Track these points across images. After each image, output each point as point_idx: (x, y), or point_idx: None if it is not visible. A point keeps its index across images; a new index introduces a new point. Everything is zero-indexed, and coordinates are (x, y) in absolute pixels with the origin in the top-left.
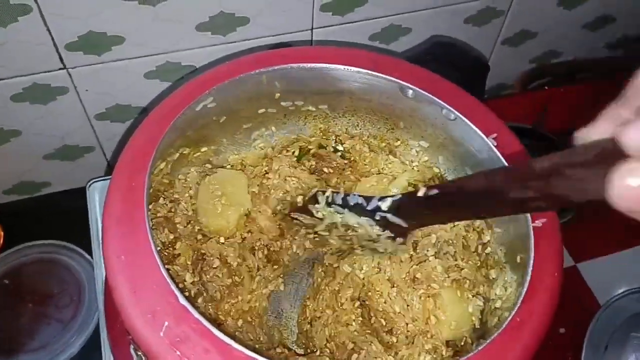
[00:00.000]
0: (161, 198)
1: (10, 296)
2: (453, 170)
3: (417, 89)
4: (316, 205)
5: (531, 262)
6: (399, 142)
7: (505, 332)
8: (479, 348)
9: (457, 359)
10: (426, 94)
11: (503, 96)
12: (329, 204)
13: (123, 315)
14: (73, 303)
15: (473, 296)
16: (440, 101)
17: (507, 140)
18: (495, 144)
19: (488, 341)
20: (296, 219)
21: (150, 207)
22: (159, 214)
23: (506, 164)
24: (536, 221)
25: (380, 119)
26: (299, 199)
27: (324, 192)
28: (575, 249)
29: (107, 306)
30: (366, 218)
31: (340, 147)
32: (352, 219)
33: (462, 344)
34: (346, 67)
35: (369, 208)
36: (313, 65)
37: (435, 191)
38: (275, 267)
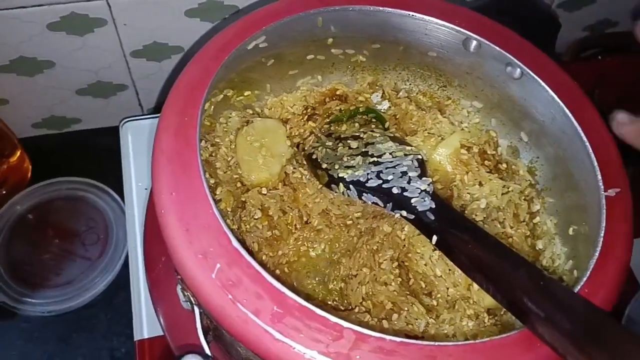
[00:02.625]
0: (203, 141)
1: (36, 231)
2: (506, 134)
3: (483, 40)
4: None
5: (602, 232)
6: (449, 101)
7: None
8: None
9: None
10: (493, 46)
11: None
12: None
13: (173, 255)
14: (100, 242)
15: None
16: (507, 54)
17: (580, 104)
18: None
19: None
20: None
21: None
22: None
23: (579, 129)
24: (609, 190)
25: (433, 74)
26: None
27: (334, 179)
28: None
29: (147, 246)
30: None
31: (384, 105)
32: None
33: (502, 312)
34: (411, 13)
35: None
36: (375, 8)
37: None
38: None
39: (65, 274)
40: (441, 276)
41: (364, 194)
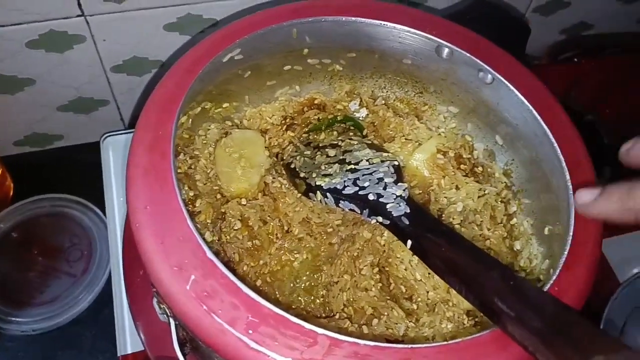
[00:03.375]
0: (181, 154)
1: (20, 249)
2: (482, 138)
3: (455, 47)
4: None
5: (571, 231)
6: (426, 107)
7: None
8: None
9: (495, 326)
10: (464, 53)
11: (531, 67)
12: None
13: (148, 267)
14: (84, 258)
15: None
16: (478, 61)
17: (549, 106)
18: None
19: None
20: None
21: None
22: (179, 170)
23: (548, 131)
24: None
25: (409, 81)
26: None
27: (312, 187)
28: None
29: (126, 260)
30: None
31: (362, 113)
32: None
33: (482, 314)
34: (382, 22)
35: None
36: (347, 18)
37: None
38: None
39: (49, 291)
40: (421, 280)
41: (340, 201)
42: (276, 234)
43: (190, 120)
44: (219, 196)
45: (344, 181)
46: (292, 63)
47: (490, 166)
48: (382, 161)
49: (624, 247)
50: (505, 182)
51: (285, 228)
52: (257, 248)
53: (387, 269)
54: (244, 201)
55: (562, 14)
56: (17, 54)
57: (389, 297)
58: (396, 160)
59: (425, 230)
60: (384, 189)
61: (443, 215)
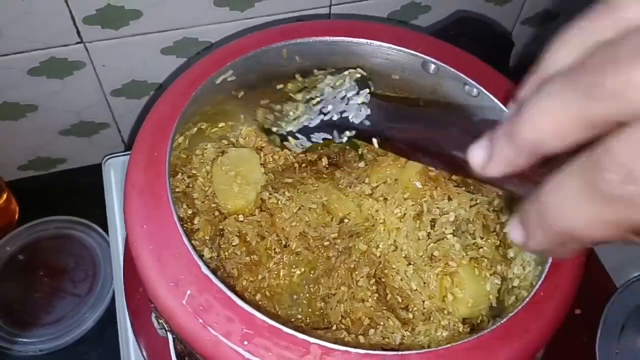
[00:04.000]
0: (179, 173)
1: (26, 271)
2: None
3: (440, 63)
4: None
5: None
6: None
7: (528, 306)
8: (503, 320)
9: (480, 332)
10: (449, 68)
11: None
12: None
13: (145, 284)
14: (88, 278)
15: (491, 275)
16: (463, 76)
17: None
18: None
19: (512, 314)
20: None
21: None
22: (177, 189)
23: None
24: None
25: (399, 94)
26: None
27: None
28: None
29: (126, 278)
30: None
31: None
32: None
33: (479, 321)
34: (369, 41)
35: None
36: (335, 38)
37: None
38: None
39: (55, 311)
40: (417, 290)
41: (311, 136)
42: (274, 249)
43: (187, 140)
44: (216, 213)
45: (311, 116)
46: (284, 82)
47: None
48: (344, 80)
49: (620, 251)
50: (496, 191)
51: (283, 243)
52: (256, 263)
53: (383, 279)
54: (241, 217)
55: (551, 25)
56: (19, 82)
57: (385, 307)
58: (359, 71)
59: (387, 122)
60: (347, 104)
61: (436, 225)
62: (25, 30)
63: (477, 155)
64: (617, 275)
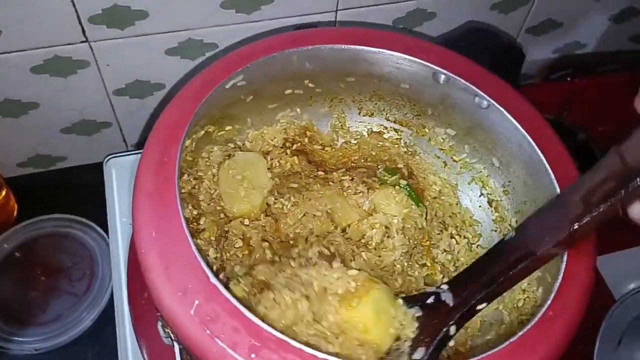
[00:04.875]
0: (185, 174)
1: (23, 269)
2: (479, 160)
3: (451, 74)
4: None
5: (565, 254)
6: (424, 129)
7: (536, 326)
8: (511, 340)
9: (487, 352)
10: (459, 79)
11: (524, 86)
12: None
13: (153, 293)
14: (86, 277)
15: None
16: (473, 87)
17: (541, 130)
18: None
19: (520, 334)
20: None
21: None
22: (183, 190)
23: (539, 152)
24: None
25: (407, 104)
26: None
27: None
28: None
29: (130, 282)
30: None
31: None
32: None
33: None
34: (380, 50)
35: None
36: (346, 46)
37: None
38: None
39: (52, 310)
40: None
41: None
42: (278, 254)
43: (194, 143)
44: (222, 215)
45: None
46: (293, 87)
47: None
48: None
49: (619, 263)
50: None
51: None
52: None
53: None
54: (246, 221)
55: (554, 33)
56: (21, 79)
57: None
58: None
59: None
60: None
61: None
62: (30, 28)
63: None
64: (616, 287)
